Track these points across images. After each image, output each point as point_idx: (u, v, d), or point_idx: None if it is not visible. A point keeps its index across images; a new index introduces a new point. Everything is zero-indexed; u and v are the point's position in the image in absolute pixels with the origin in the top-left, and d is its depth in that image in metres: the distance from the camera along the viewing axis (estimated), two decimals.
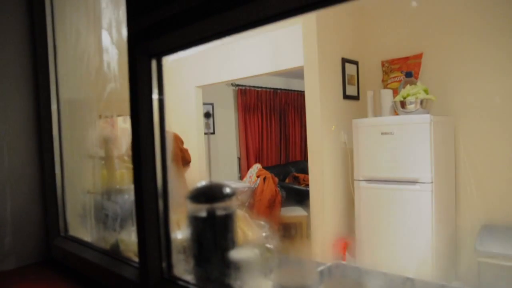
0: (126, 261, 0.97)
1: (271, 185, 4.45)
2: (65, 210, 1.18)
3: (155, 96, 0.86)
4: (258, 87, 6.42)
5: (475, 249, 2.38)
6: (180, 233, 0.88)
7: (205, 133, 5.68)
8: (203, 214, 0.81)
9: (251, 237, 1.17)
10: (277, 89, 6.72)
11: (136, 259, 0.93)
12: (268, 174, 4.68)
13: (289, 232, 4.01)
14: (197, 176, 4.03)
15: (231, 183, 5.24)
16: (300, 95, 7.07)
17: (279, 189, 4.56)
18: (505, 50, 2.58)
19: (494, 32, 2.62)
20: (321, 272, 1.18)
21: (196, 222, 0.81)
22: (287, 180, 5.96)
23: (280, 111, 6.80)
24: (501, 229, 2.55)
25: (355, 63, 3.23)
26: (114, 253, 1.02)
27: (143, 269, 0.86)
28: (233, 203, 0.84)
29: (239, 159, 6.36)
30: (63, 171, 1.18)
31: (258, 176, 4.83)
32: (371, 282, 1.17)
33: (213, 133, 6.17)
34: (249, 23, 0.70)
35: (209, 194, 0.83)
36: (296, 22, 3.12)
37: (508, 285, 2.29)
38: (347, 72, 3.14)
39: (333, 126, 3.01)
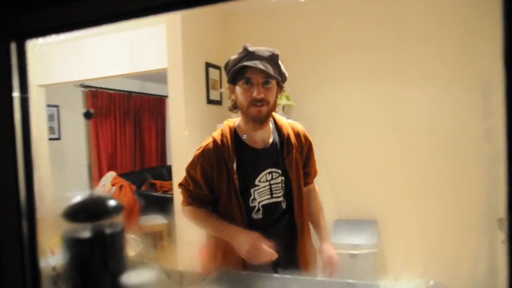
0: None
1: (128, 194, 4.18)
2: None
3: (16, 91, 0.68)
4: (110, 89, 5.99)
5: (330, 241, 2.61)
6: (55, 259, 0.72)
7: (50, 139, 5.04)
8: (86, 234, 0.67)
9: (132, 255, 1.04)
10: (131, 92, 6.38)
11: None
12: (125, 182, 4.38)
13: (152, 242, 3.81)
14: (37, 187, 3.52)
15: (80, 193, 4.77)
16: (156, 99, 6.85)
17: (137, 197, 4.30)
18: (357, 61, 2.91)
19: (348, 44, 2.94)
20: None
21: (76, 245, 0.66)
22: (143, 188, 5.68)
23: (135, 116, 6.47)
24: (351, 223, 2.86)
25: (218, 68, 3.25)
26: None
27: None
28: (120, 219, 0.72)
29: (90, 167, 5.82)
30: None
31: (113, 185, 4.48)
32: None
33: (58, 138, 5.53)
34: (133, 11, 0.61)
35: (91, 210, 0.69)
36: (160, 22, 2.99)
37: (354, 270, 2.56)
38: (210, 76, 3.13)
39: (186, 132, 2.95)
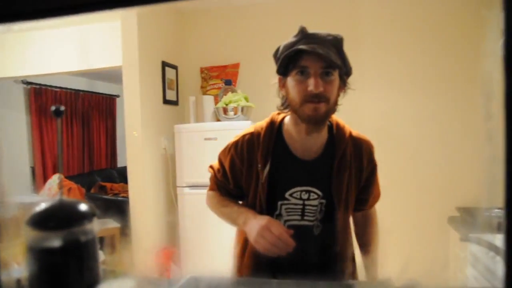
0: None
1: (77, 197, 3.99)
2: None
3: None
4: (56, 87, 5.68)
5: None
6: (19, 271, 0.65)
7: None
8: (57, 243, 0.61)
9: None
10: (79, 90, 6.09)
11: None
12: (74, 185, 4.18)
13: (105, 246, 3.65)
14: None
15: (23, 197, 4.47)
16: (106, 98, 6.59)
17: (87, 200, 4.11)
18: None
19: None
20: None
21: (46, 255, 0.61)
22: (92, 190, 5.44)
23: (83, 115, 6.18)
24: None
25: (175, 67, 3.18)
26: None
27: None
28: (94, 226, 0.67)
29: (33, 168, 5.49)
30: None
31: (60, 188, 4.26)
32: None
33: None
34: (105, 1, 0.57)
35: (62, 216, 0.64)
36: (113, 19, 2.87)
37: None
38: (167, 76, 3.06)
39: (135, 132, 2.85)
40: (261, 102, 3.01)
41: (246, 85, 3.10)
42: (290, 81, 1.10)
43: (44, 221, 0.63)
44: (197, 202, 2.71)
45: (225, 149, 1.28)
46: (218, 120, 2.82)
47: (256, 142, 1.19)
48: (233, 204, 1.28)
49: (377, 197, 1.35)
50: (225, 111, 2.69)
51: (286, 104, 1.17)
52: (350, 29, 2.85)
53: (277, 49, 1.18)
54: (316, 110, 1.06)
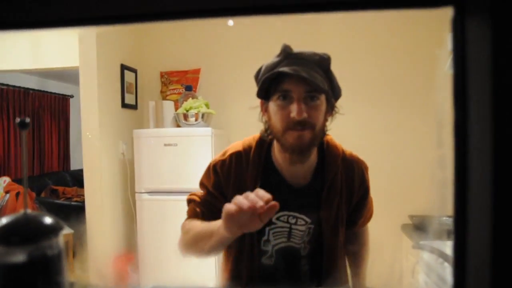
0: None
1: (27, 202, 3.79)
2: None
3: None
4: (3, 84, 5.40)
5: None
6: None
7: None
8: (22, 258, 0.60)
9: None
10: (29, 89, 5.82)
11: None
12: (22, 189, 3.98)
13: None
14: None
15: None
16: (59, 98, 6.34)
17: (37, 205, 3.94)
18: None
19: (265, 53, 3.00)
20: None
21: (10, 271, 0.59)
22: (43, 194, 5.21)
23: (33, 115, 5.91)
24: None
25: (134, 71, 3.13)
26: None
27: None
28: (60, 239, 0.66)
29: None
30: None
31: (7, 192, 4.06)
32: None
33: None
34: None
35: (28, 231, 0.63)
36: None
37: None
38: (126, 79, 3.00)
39: (88, 133, 2.78)
40: (221, 109, 3.03)
41: (206, 91, 3.10)
42: (272, 106, 1.02)
43: (8, 236, 0.61)
44: (155, 208, 2.68)
45: (206, 171, 1.17)
46: (178, 126, 2.80)
47: (245, 161, 1.11)
48: (207, 222, 1.13)
49: (368, 218, 1.30)
50: (186, 117, 2.68)
51: (270, 131, 1.07)
52: (310, 46, 2.91)
53: (259, 70, 1.07)
54: (300, 138, 0.98)
